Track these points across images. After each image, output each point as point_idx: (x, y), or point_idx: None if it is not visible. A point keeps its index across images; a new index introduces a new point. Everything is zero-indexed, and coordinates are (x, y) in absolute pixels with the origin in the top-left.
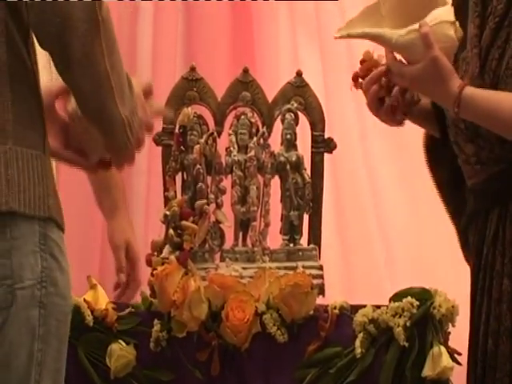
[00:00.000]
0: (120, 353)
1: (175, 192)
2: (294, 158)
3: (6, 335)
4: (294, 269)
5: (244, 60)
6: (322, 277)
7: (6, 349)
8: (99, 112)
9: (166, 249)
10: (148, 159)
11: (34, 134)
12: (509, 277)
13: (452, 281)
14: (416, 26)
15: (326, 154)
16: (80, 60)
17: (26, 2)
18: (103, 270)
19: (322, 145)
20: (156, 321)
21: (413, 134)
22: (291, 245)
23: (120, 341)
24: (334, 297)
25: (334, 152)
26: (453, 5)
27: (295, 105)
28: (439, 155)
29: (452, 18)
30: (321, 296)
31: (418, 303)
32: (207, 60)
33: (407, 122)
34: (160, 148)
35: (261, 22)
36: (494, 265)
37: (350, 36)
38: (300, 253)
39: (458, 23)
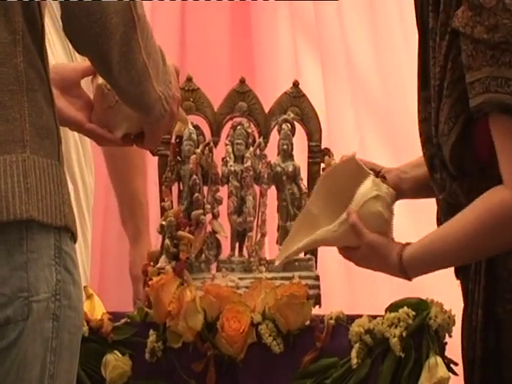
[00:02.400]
0: (115, 363)
1: (171, 202)
2: (290, 169)
3: (21, 347)
4: (291, 279)
5: (243, 70)
6: (318, 287)
7: (21, 361)
8: (139, 98)
9: (162, 259)
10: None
11: (50, 143)
12: (482, 306)
13: (449, 291)
14: (344, 215)
15: (322, 164)
16: (119, 61)
17: (41, 12)
18: (103, 279)
19: (319, 155)
20: (151, 331)
21: (412, 143)
22: None
23: (115, 351)
24: (334, 307)
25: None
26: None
27: (292, 115)
28: None
29: (375, 191)
30: (317, 306)
31: (414, 313)
32: (206, 70)
33: (408, 131)
34: (156, 158)
35: (260, 31)
36: (474, 294)
37: (288, 258)
38: (296, 263)
39: (384, 188)
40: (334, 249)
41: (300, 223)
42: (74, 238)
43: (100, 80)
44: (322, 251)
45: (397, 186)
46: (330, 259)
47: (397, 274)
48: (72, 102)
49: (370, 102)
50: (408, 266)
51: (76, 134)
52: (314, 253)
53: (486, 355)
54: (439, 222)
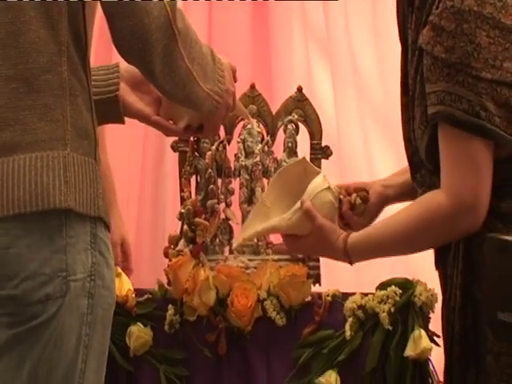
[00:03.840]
0: (138, 334)
1: (190, 193)
2: None
3: (59, 320)
4: (294, 261)
5: (262, 78)
6: (318, 268)
7: (59, 332)
8: (186, 98)
9: (181, 242)
10: (173, 165)
11: (87, 143)
12: (460, 288)
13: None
14: (298, 204)
15: (335, 158)
16: (162, 70)
17: (86, 29)
18: (136, 257)
19: (320, 152)
20: (170, 306)
21: None
22: None
23: (138, 323)
24: (336, 285)
25: (341, 155)
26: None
27: (296, 116)
28: None
29: (326, 184)
30: (318, 285)
31: (400, 292)
32: None
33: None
34: (177, 154)
35: (277, 44)
36: (453, 277)
37: (245, 240)
38: None
39: (331, 183)
40: None
41: (255, 213)
42: (107, 227)
43: None
44: None
45: (382, 192)
46: None
47: (341, 258)
48: (141, 97)
49: (374, 107)
50: (351, 251)
51: None
52: None
53: (463, 332)
54: None
